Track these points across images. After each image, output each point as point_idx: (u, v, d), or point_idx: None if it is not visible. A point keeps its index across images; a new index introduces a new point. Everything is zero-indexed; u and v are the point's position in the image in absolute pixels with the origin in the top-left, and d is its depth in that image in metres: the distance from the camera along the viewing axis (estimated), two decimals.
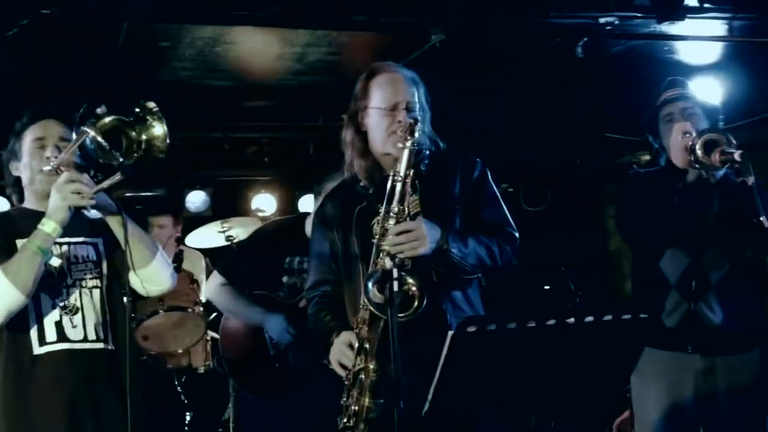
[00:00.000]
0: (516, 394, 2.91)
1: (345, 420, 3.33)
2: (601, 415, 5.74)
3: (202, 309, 5.94)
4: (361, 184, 3.55)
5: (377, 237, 3.31)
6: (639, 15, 5.39)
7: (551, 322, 2.73)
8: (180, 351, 6.02)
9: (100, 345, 3.43)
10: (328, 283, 3.63)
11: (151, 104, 3.28)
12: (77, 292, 3.43)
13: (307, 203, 7.71)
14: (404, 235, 3.22)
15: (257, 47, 5.64)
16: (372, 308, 3.20)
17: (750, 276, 4.01)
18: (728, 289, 3.92)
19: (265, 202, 8.08)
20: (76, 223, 3.36)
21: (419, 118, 3.42)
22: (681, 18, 5.30)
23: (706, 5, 5.34)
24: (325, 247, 3.63)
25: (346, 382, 3.37)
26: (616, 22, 5.42)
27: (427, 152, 3.50)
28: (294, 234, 4.75)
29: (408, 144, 3.29)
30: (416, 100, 3.49)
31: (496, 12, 5.21)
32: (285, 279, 4.76)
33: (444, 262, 3.34)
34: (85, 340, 3.40)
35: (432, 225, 3.32)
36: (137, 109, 3.27)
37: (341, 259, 3.57)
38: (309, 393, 4.48)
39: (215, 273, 4.96)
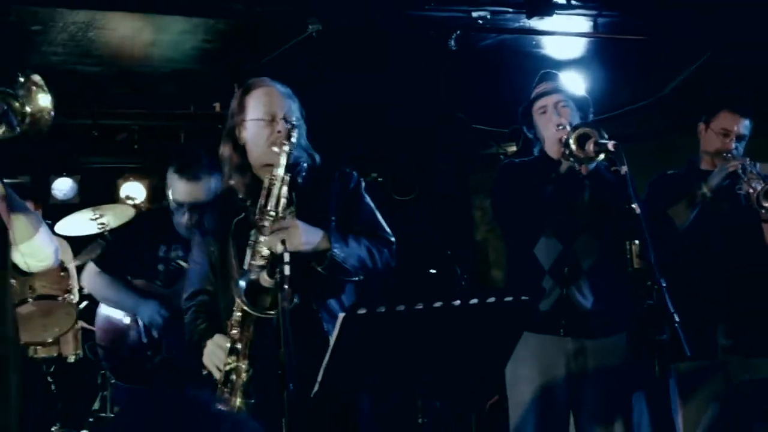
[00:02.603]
0: (404, 374, 2.98)
1: None
2: (482, 395, 5.91)
3: (72, 298, 5.84)
4: (240, 196, 3.58)
5: (252, 235, 3.36)
6: (510, 10, 5.55)
7: (438, 304, 2.83)
8: (50, 340, 5.90)
9: None
10: (205, 293, 3.65)
11: (36, 77, 3.20)
12: None
13: None
14: (279, 229, 3.26)
15: (131, 33, 5.57)
16: (245, 306, 3.23)
17: (619, 262, 4.20)
18: (598, 275, 4.08)
19: (134, 190, 7.94)
20: None
21: (296, 125, 3.47)
22: (549, 14, 5.47)
23: (574, 2, 5.53)
24: (204, 257, 3.65)
25: (219, 386, 3.38)
26: (488, 17, 5.56)
27: (305, 165, 3.53)
28: (164, 223, 4.73)
29: (285, 148, 3.35)
30: (293, 113, 3.54)
31: (373, 2, 5.28)
32: (161, 267, 4.74)
33: (325, 263, 3.37)
34: None
35: (310, 226, 3.36)
36: (21, 79, 3.18)
37: (219, 270, 3.59)
38: (181, 385, 4.46)
39: (89, 264, 4.91)
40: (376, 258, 3.52)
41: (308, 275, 3.35)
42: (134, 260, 4.75)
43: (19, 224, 3.34)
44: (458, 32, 5.60)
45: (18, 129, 3.15)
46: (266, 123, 3.49)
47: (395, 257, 3.62)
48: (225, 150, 3.60)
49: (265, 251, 3.27)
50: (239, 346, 3.34)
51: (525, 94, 4.35)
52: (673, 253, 4.59)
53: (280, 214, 3.33)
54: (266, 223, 3.30)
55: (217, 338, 3.45)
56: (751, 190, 4.42)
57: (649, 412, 4.82)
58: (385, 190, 8.84)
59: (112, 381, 5.37)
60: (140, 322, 4.72)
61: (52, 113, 3.20)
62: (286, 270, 2.97)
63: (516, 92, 4.57)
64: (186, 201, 4.54)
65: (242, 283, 3.25)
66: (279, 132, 3.44)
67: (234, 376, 3.34)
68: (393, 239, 3.63)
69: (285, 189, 3.35)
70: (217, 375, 3.40)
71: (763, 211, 4.39)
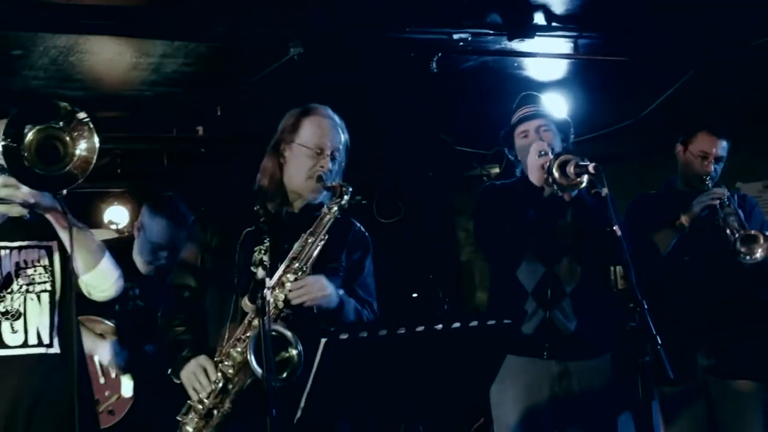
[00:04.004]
0: (387, 398, 2.98)
1: None
2: (466, 420, 5.90)
3: None
4: (256, 209, 3.58)
5: (270, 288, 3.32)
6: (491, 32, 5.56)
7: (420, 328, 2.82)
8: None
9: (41, 350, 3.35)
10: (188, 289, 3.63)
11: (82, 114, 3.13)
12: (22, 297, 3.35)
13: None
14: (311, 286, 3.31)
15: (112, 57, 5.55)
16: (257, 373, 3.16)
17: (602, 285, 4.20)
18: (581, 297, 4.10)
19: (117, 215, 7.91)
20: (26, 226, 3.31)
21: (345, 184, 3.51)
22: (530, 36, 5.48)
23: (554, 24, 5.55)
24: (197, 253, 3.63)
25: (189, 403, 3.40)
26: (469, 39, 5.57)
27: (347, 198, 3.49)
28: (122, 258, 4.70)
29: (333, 211, 3.41)
30: (341, 148, 3.60)
31: (355, 26, 5.29)
32: (117, 307, 4.67)
33: (339, 315, 3.44)
34: (24, 345, 3.33)
35: (330, 283, 3.41)
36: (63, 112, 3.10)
37: (214, 270, 3.58)
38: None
39: None
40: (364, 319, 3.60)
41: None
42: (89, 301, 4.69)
43: (81, 254, 3.34)
44: (440, 54, 5.60)
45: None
46: (313, 154, 3.53)
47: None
48: (268, 162, 3.64)
49: (280, 304, 3.30)
50: (230, 387, 3.34)
51: (507, 116, 4.37)
52: (656, 278, 4.62)
53: (305, 271, 3.35)
54: (291, 278, 3.31)
55: (204, 361, 3.42)
56: (728, 232, 4.46)
57: None
58: (369, 212, 8.83)
59: None
60: (97, 363, 4.64)
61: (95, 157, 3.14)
62: (267, 295, 2.97)
63: (498, 113, 4.58)
64: (157, 240, 4.52)
65: (253, 358, 3.19)
66: (322, 167, 3.49)
67: (215, 412, 3.35)
68: (376, 314, 3.69)
69: (319, 249, 3.38)
70: (194, 396, 3.39)
71: (738, 255, 4.43)
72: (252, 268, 3.41)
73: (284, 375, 3.19)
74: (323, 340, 2.73)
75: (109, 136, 7.40)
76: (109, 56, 5.54)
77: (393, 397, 2.97)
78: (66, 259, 3.42)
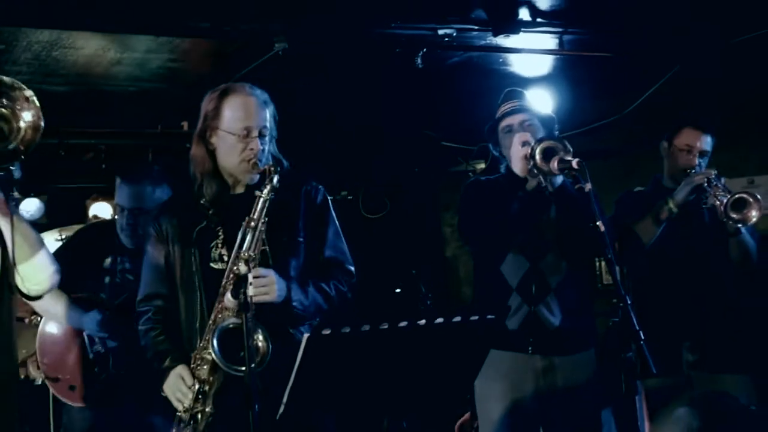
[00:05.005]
0: (370, 394, 2.97)
1: None
2: (449, 415, 5.90)
3: (39, 320, 5.76)
4: (202, 202, 3.53)
5: (225, 280, 3.32)
6: (476, 27, 5.56)
7: (403, 324, 2.82)
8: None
9: None
10: (160, 297, 3.60)
11: (28, 91, 3.10)
12: None
13: None
14: (256, 280, 3.22)
15: (97, 52, 5.53)
16: (220, 364, 3.21)
17: (586, 279, 4.23)
18: (566, 292, 4.10)
19: (102, 210, 7.87)
20: None
21: (274, 152, 3.47)
22: (515, 31, 5.49)
23: (539, 20, 5.55)
24: (160, 260, 3.59)
25: (178, 413, 3.39)
26: (454, 34, 5.57)
27: (275, 179, 3.37)
28: (111, 235, 4.69)
29: (265, 193, 3.30)
30: (267, 124, 3.49)
31: (339, 21, 5.28)
32: (106, 280, 4.67)
33: (285, 311, 3.39)
34: None
35: (280, 278, 3.35)
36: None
37: (178, 274, 3.54)
38: (129, 402, 4.41)
39: None
40: (334, 301, 3.55)
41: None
42: (78, 271, 4.67)
43: (18, 244, 3.25)
44: (425, 50, 5.60)
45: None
46: (240, 138, 3.43)
47: (354, 288, 3.64)
48: (196, 152, 3.54)
49: (232, 302, 3.25)
50: (206, 388, 3.34)
51: (493, 112, 4.37)
52: (640, 270, 4.63)
53: (254, 257, 3.26)
54: (242, 268, 3.22)
55: (181, 370, 3.42)
56: (717, 203, 4.45)
57: (617, 428, 4.85)
58: (355, 208, 8.84)
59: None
60: (86, 338, 4.64)
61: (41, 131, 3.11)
62: (250, 291, 2.96)
63: (484, 109, 4.58)
64: (127, 206, 4.53)
65: (215, 340, 3.22)
66: (252, 149, 3.41)
67: (199, 416, 3.34)
68: (353, 269, 3.65)
69: (262, 232, 3.31)
70: (179, 407, 3.39)
71: (730, 222, 4.42)
72: (212, 265, 3.39)
73: (255, 363, 3.16)
74: (305, 336, 2.73)
75: (94, 132, 7.39)
76: (92, 51, 5.52)
77: (376, 393, 2.96)
78: (4, 248, 3.38)
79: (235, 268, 3.26)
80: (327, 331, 2.74)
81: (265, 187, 3.30)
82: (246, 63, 5.72)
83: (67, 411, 4.85)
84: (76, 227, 6.38)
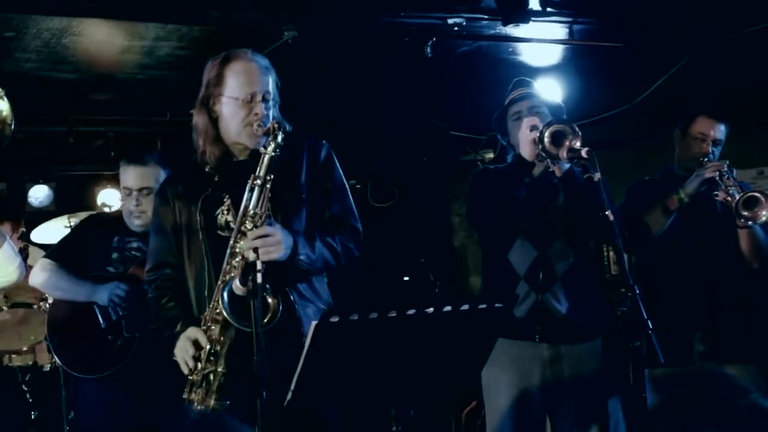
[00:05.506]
0: (377, 382, 2.97)
1: None
2: (456, 404, 5.92)
3: (48, 305, 5.79)
4: (207, 169, 3.51)
5: (232, 239, 3.29)
6: (485, 17, 5.55)
7: (411, 311, 2.82)
8: (25, 348, 5.88)
9: None
10: (168, 266, 3.58)
11: None
12: None
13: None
14: (261, 240, 3.20)
15: (106, 40, 5.54)
16: (230, 320, 3.20)
17: (593, 267, 4.22)
18: (573, 280, 4.09)
19: (111, 197, 7.90)
20: None
21: (277, 116, 3.45)
22: (525, 21, 5.47)
23: (549, 9, 5.54)
24: (167, 229, 3.57)
25: (190, 378, 3.36)
26: (464, 23, 5.56)
27: (281, 135, 3.31)
28: (119, 220, 4.72)
29: (269, 150, 3.26)
30: (271, 89, 3.47)
31: (349, 9, 5.28)
32: (115, 255, 4.69)
33: (292, 267, 3.36)
34: None
35: (287, 234, 3.33)
36: None
37: (185, 242, 3.53)
38: (146, 366, 4.42)
39: (41, 259, 4.83)
40: (341, 256, 3.52)
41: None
42: (87, 249, 4.69)
43: None
44: (434, 39, 5.60)
45: None
46: (244, 103, 3.40)
47: (361, 248, 3.61)
48: (199, 120, 3.50)
49: (251, 256, 3.21)
50: (218, 348, 3.31)
51: (502, 101, 4.36)
52: (650, 259, 4.63)
53: (263, 217, 3.26)
54: (249, 226, 3.23)
55: (191, 332, 3.38)
56: (729, 198, 4.44)
57: (625, 417, 4.85)
58: (363, 197, 8.85)
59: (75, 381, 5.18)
60: (96, 309, 4.65)
61: (11, 126, 3.12)
62: (259, 278, 2.96)
63: (493, 99, 4.57)
64: (135, 186, 4.56)
65: (225, 295, 3.21)
66: (256, 114, 3.38)
67: (211, 377, 3.31)
68: (360, 227, 3.62)
69: (267, 189, 3.28)
70: (187, 371, 3.36)
71: (741, 219, 4.41)
72: (219, 232, 3.37)
73: (265, 321, 3.16)
74: (313, 323, 2.73)
75: (103, 120, 7.43)
76: (101, 39, 5.53)
77: (384, 381, 2.97)
78: None
79: (241, 239, 3.24)
80: (335, 319, 2.74)
81: (270, 144, 3.27)
82: (255, 51, 5.71)
83: (81, 390, 4.85)
84: (84, 214, 6.44)
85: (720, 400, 4.57)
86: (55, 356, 4.85)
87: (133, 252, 4.64)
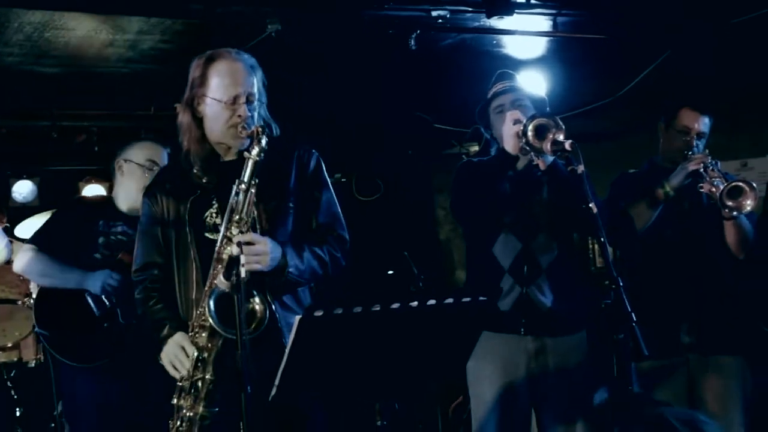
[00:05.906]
0: (362, 376, 2.97)
1: (178, 424, 3.34)
2: (443, 398, 5.92)
3: (32, 301, 5.76)
4: (194, 171, 3.51)
5: (218, 245, 3.29)
6: (469, 9, 5.55)
7: (396, 305, 2.82)
8: (9, 345, 5.85)
9: None
10: (156, 266, 3.58)
11: None
12: None
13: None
14: (247, 248, 3.18)
15: (89, 34, 5.50)
16: (216, 328, 3.21)
17: (577, 260, 4.23)
18: (557, 273, 4.10)
19: (94, 192, 7.83)
20: None
21: (265, 116, 3.44)
22: (509, 13, 5.47)
23: (533, 1, 5.54)
24: (156, 230, 3.57)
25: (179, 384, 3.37)
26: (448, 16, 5.56)
27: (265, 139, 3.32)
28: (104, 203, 4.72)
29: (254, 154, 3.25)
30: (255, 90, 3.45)
31: (332, 2, 5.26)
32: (101, 240, 4.66)
33: (281, 279, 3.36)
34: None
35: (275, 244, 3.32)
36: None
37: (174, 244, 3.52)
38: (139, 357, 4.40)
39: (25, 245, 4.79)
40: (328, 266, 3.52)
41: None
42: (72, 234, 4.64)
43: None
44: (418, 32, 5.59)
45: None
46: (227, 105, 3.38)
47: (348, 256, 3.61)
48: (184, 119, 3.50)
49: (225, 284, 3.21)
50: (206, 356, 3.31)
51: (486, 94, 4.36)
52: (635, 252, 4.63)
53: (247, 221, 3.25)
54: (234, 232, 3.22)
55: (179, 338, 3.39)
56: (713, 189, 4.45)
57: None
58: (348, 190, 8.83)
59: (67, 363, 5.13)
60: (88, 297, 4.62)
61: None
62: (242, 273, 2.96)
63: (477, 91, 4.56)
64: (147, 160, 4.59)
65: (211, 303, 3.22)
66: (240, 116, 3.37)
67: (199, 384, 3.32)
68: (347, 236, 3.61)
69: (253, 194, 3.27)
70: (176, 375, 3.37)
71: (726, 210, 4.41)
72: (207, 234, 3.38)
73: (252, 328, 3.17)
74: (297, 318, 2.73)
75: (86, 114, 7.38)
76: (84, 33, 5.50)
77: (369, 375, 2.96)
78: None
79: (227, 245, 3.24)
80: (319, 313, 2.74)
81: (254, 148, 3.25)
82: (238, 45, 5.69)
83: (72, 382, 4.80)
84: None
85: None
86: (48, 346, 4.80)
87: (118, 236, 4.61)
